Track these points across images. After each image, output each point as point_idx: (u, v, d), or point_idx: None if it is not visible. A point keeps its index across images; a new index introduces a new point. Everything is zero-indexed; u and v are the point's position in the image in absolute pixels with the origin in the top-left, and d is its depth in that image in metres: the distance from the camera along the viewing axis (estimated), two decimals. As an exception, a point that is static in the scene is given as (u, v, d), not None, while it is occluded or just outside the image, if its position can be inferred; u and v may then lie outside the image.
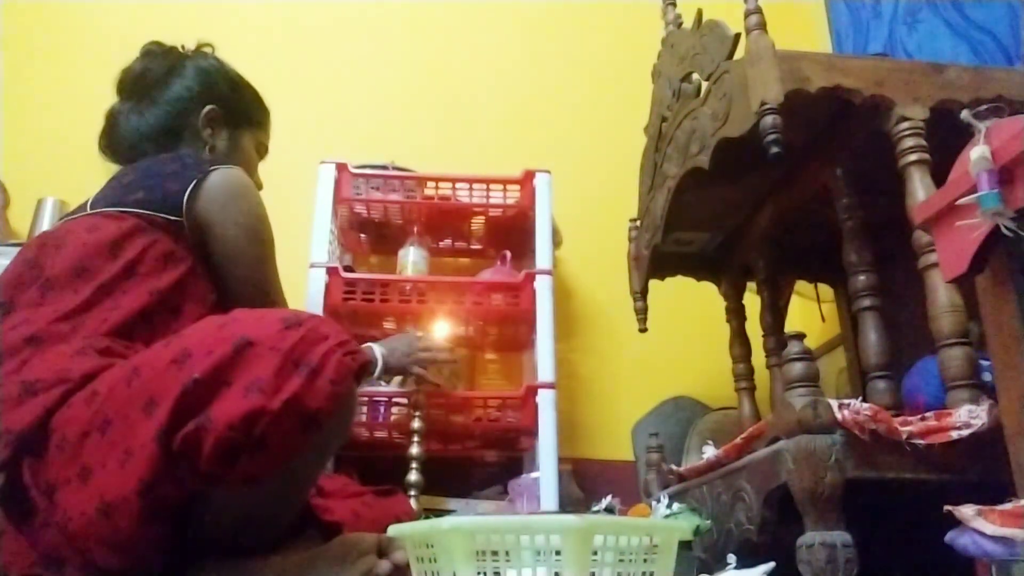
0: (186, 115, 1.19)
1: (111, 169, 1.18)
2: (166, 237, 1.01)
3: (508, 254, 1.92)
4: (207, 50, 1.27)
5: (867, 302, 1.13)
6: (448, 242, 2.04)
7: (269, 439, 0.77)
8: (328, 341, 0.84)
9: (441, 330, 1.73)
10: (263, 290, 1.11)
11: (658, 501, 1.21)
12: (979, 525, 0.70)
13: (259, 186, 1.28)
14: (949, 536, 0.73)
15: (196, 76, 1.21)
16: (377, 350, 1.44)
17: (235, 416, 0.75)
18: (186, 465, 0.77)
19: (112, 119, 1.21)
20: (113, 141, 1.21)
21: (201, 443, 0.76)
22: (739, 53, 1.07)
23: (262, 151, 1.33)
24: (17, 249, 1.71)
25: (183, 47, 1.27)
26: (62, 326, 0.91)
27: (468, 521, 0.65)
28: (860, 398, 0.92)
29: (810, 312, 1.80)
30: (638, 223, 1.54)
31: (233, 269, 1.07)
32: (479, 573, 0.64)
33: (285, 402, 0.77)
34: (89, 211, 1.04)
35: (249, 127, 1.27)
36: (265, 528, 0.89)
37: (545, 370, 1.68)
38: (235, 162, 1.17)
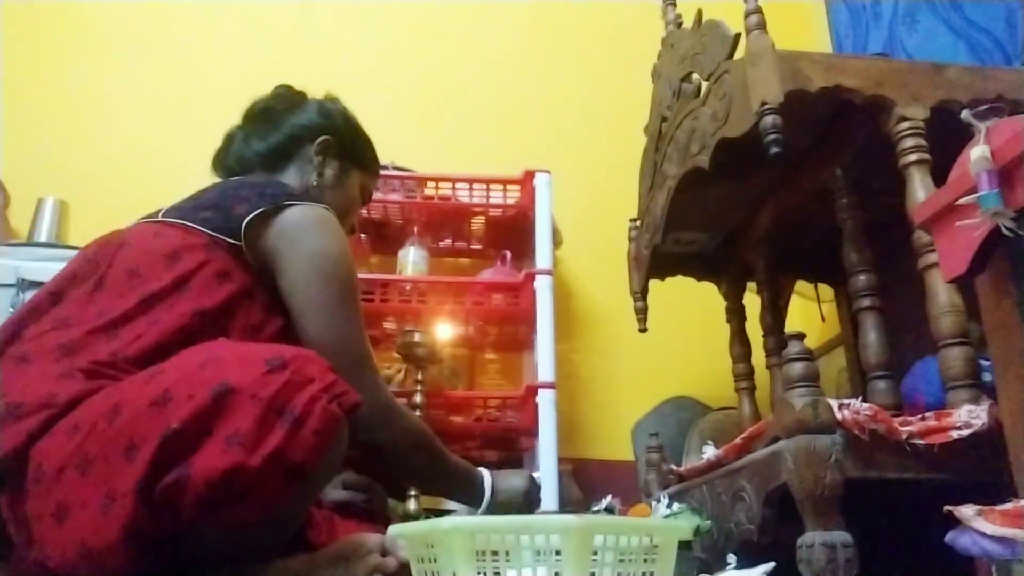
0: (301, 141, 1.21)
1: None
2: (226, 257, 0.99)
3: (508, 254, 1.92)
4: (333, 97, 1.31)
5: (867, 302, 1.13)
6: (448, 242, 2.04)
7: (251, 494, 0.75)
8: (313, 385, 0.80)
9: None
10: (335, 336, 1.01)
11: (658, 501, 1.21)
12: (979, 525, 0.69)
13: (352, 229, 1.28)
14: (949, 536, 0.73)
15: (318, 110, 1.25)
16: (487, 480, 1.16)
17: (215, 472, 0.73)
18: (169, 512, 0.75)
19: (229, 139, 1.24)
20: (224, 158, 1.23)
21: (182, 495, 0.74)
22: (739, 53, 1.07)
23: (366, 196, 1.32)
24: (17, 249, 1.73)
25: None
26: (99, 336, 0.89)
27: (468, 521, 0.65)
28: (860, 398, 0.92)
29: (810, 312, 1.80)
30: (638, 223, 1.54)
31: (299, 306, 1.01)
32: (479, 573, 0.64)
33: (267, 457, 0.75)
34: (160, 218, 1.04)
35: (359, 167, 1.27)
36: (259, 550, 0.89)
37: (545, 370, 1.68)
38: (339, 195, 1.20)
